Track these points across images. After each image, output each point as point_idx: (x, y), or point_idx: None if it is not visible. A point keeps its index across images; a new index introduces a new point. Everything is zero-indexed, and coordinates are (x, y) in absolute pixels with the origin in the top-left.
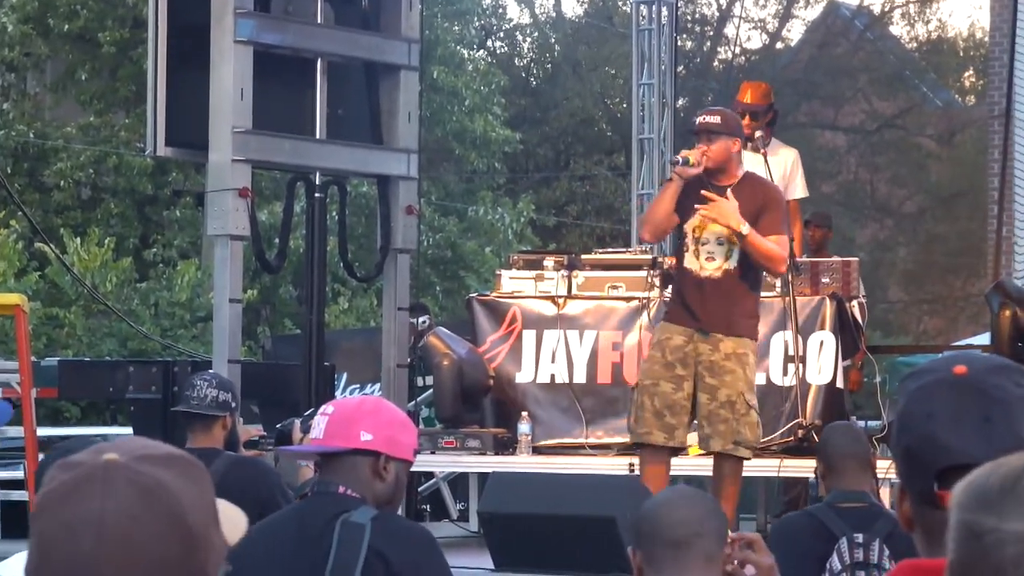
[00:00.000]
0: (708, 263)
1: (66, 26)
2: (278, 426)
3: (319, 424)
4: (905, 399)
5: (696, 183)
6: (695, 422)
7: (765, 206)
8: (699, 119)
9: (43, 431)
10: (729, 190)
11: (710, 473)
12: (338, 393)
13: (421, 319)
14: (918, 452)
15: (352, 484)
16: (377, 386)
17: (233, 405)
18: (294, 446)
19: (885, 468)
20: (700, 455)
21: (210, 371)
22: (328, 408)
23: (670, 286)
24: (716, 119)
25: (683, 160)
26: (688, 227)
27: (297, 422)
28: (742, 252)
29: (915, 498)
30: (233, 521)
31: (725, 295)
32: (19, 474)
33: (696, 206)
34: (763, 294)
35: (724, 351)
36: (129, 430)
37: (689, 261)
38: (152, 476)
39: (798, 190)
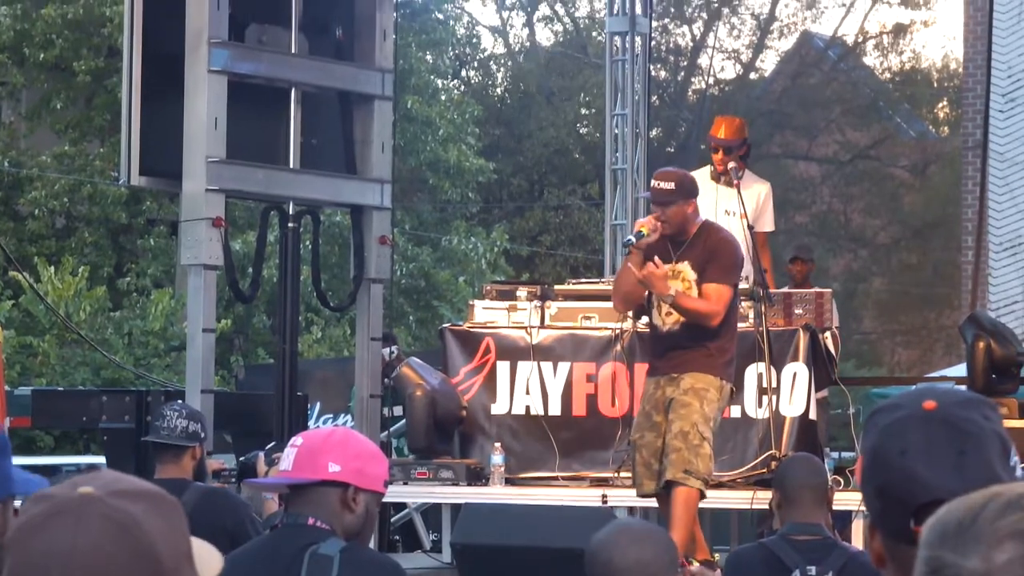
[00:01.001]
0: (667, 317)
1: (41, 55)
2: (241, 459)
3: (288, 456)
4: (876, 435)
5: (660, 243)
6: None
7: (713, 255)
8: (653, 184)
9: (17, 460)
10: (681, 249)
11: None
12: (311, 423)
13: (389, 349)
14: (894, 488)
15: (321, 516)
16: (350, 416)
17: (202, 435)
18: (262, 478)
19: (859, 501)
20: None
21: (179, 401)
22: (297, 440)
23: (643, 317)
24: (670, 185)
25: (637, 235)
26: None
27: (261, 455)
28: None
29: (889, 535)
30: (207, 561)
31: (683, 343)
32: None
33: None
34: (737, 325)
35: (683, 387)
36: (102, 459)
37: (655, 317)
38: (125, 511)
39: (767, 223)
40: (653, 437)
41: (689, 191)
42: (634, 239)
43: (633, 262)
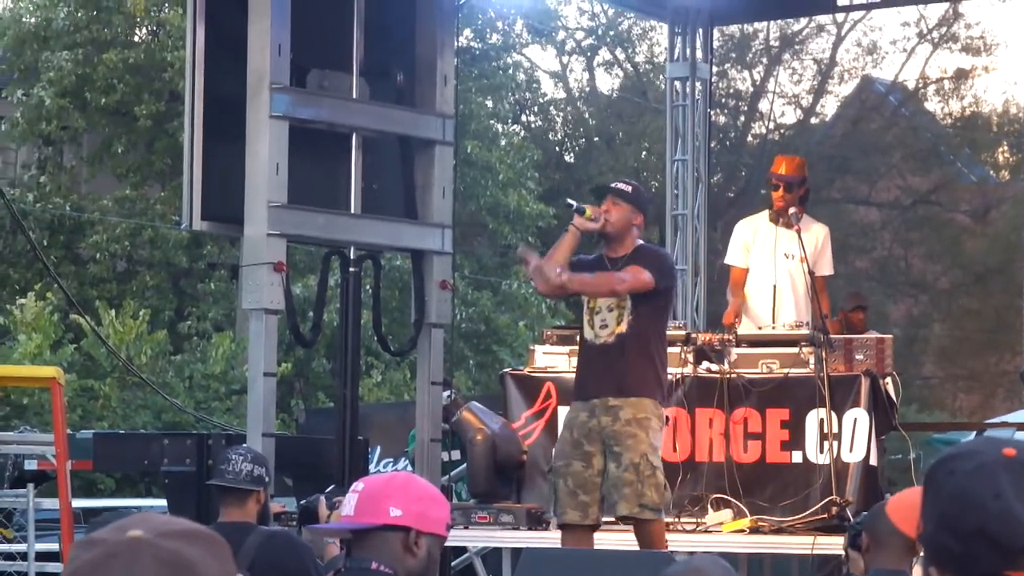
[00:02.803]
0: (602, 330)
1: (103, 99)
2: (302, 502)
3: (349, 501)
4: (959, 480)
5: (596, 261)
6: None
7: (637, 261)
8: (612, 184)
9: (77, 503)
10: (618, 268)
11: (741, 551)
12: (371, 467)
13: (449, 393)
14: (992, 532)
15: (384, 560)
16: (409, 461)
17: (267, 480)
18: (323, 524)
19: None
20: (733, 531)
21: (244, 445)
22: (358, 485)
23: (704, 362)
24: (628, 187)
25: (578, 208)
26: (584, 299)
27: (322, 498)
28: (633, 315)
29: None
30: None
31: (619, 358)
32: (54, 546)
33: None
34: (798, 371)
35: (624, 418)
36: (163, 502)
37: (587, 332)
38: (177, 552)
39: (826, 267)
40: (581, 467)
41: (642, 203)
42: (575, 203)
43: (566, 241)
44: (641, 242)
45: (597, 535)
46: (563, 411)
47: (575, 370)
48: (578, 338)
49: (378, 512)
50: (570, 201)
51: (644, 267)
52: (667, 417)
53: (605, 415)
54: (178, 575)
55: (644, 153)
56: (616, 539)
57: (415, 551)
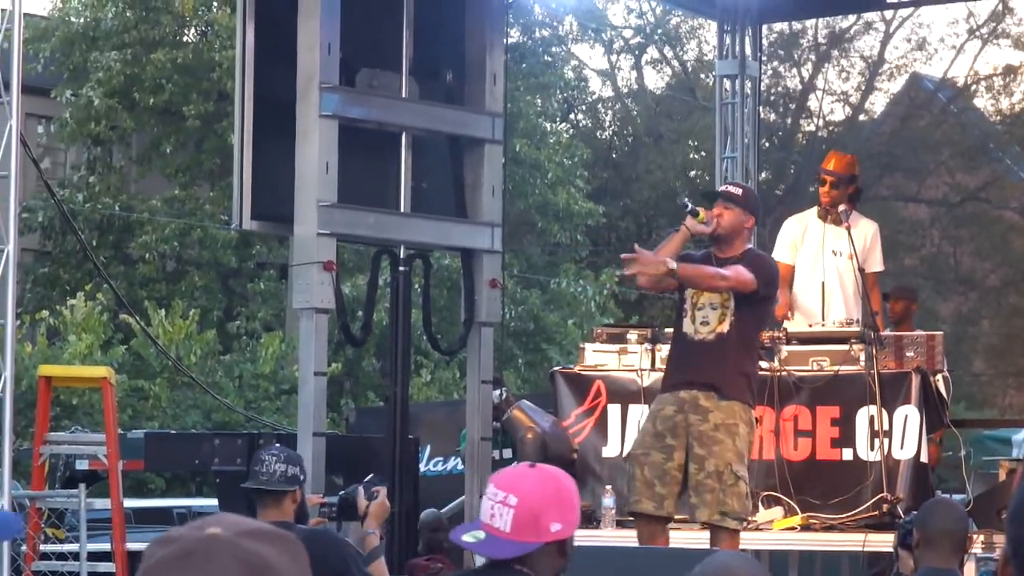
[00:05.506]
0: (703, 327)
1: (151, 100)
2: (341, 493)
3: (501, 514)
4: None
5: (704, 258)
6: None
7: (744, 264)
8: (722, 188)
9: (129, 503)
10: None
11: (792, 548)
12: (422, 466)
13: (500, 392)
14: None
15: (536, 568)
16: (460, 459)
17: (302, 478)
18: (474, 543)
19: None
20: (784, 529)
21: (277, 445)
22: (510, 498)
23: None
24: (738, 191)
25: (692, 211)
26: (687, 292)
27: (360, 488)
28: (736, 317)
29: None
30: None
31: (717, 357)
32: (106, 546)
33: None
34: (848, 368)
35: (714, 421)
36: (214, 502)
37: (686, 326)
38: (254, 552)
39: (876, 263)
40: (661, 458)
41: (752, 205)
42: (689, 203)
43: (677, 239)
44: (751, 246)
45: (671, 533)
46: (613, 409)
47: (666, 361)
48: (671, 330)
49: (540, 531)
50: (685, 201)
51: (749, 270)
52: (756, 419)
53: (694, 413)
54: (256, 574)
55: (692, 151)
56: (680, 536)
57: (568, 552)
